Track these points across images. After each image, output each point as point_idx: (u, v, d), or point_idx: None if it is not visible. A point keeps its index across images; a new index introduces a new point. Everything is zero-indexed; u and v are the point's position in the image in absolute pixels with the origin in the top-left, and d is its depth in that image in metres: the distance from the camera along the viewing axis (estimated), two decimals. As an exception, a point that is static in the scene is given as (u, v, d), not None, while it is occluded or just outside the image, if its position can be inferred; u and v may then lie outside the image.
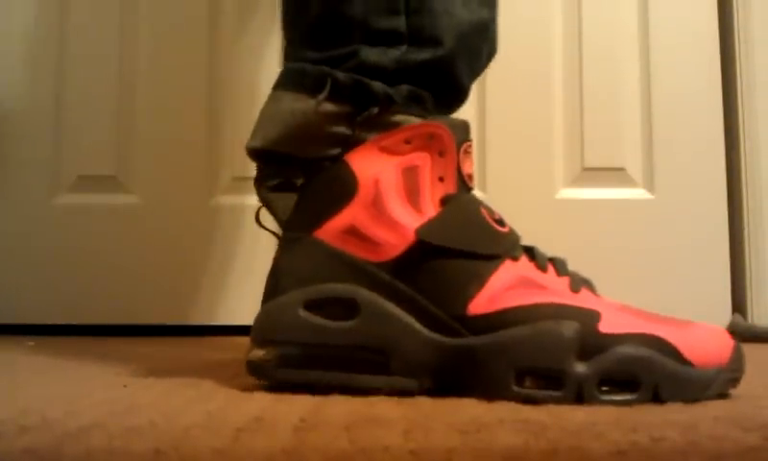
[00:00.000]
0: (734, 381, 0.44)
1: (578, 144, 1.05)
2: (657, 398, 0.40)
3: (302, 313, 0.44)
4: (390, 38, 0.47)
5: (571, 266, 0.47)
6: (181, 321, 1.02)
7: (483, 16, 0.50)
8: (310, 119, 0.46)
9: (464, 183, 0.47)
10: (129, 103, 1.06)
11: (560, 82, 1.06)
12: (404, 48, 0.47)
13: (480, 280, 0.43)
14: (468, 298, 0.43)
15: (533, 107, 1.05)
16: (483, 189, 1.04)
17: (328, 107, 0.46)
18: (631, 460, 0.27)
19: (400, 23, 0.47)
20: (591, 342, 0.41)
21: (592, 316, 0.42)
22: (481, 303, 0.43)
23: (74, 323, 1.03)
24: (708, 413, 0.36)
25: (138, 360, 0.66)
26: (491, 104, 1.05)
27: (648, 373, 0.40)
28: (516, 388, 0.41)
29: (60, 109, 1.06)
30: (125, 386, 0.47)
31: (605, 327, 0.41)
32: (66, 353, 0.73)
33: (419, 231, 0.44)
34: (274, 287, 0.46)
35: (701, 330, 0.43)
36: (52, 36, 1.07)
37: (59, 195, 1.05)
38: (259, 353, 0.44)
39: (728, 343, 0.43)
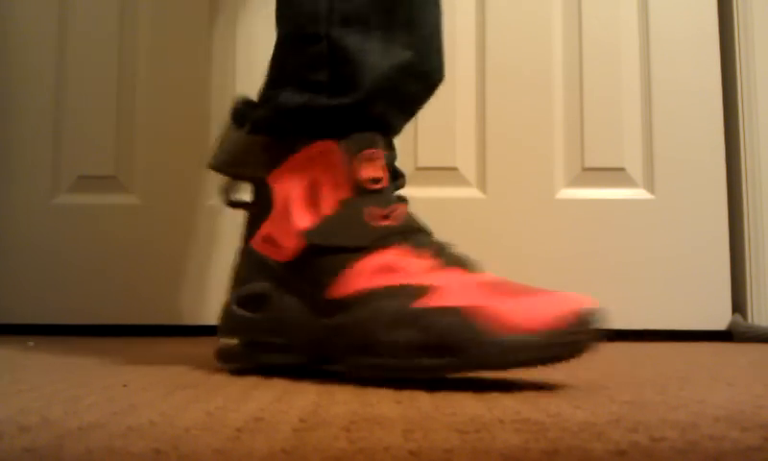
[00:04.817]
0: (575, 345, 0.45)
1: (578, 144, 1.05)
2: (467, 362, 0.45)
3: (236, 309, 0.55)
4: (314, 88, 0.55)
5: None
6: (182, 321, 1.03)
7: (405, 58, 0.56)
8: (242, 147, 0.57)
9: (360, 187, 0.53)
10: (129, 103, 1.06)
11: (560, 82, 1.06)
12: (324, 96, 0.54)
13: (343, 269, 0.51)
14: (333, 284, 0.51)
15: (533, 107, 1.06)
16: (483, 189, 1.04)
17: (254, 138, 0.56)
18: (631, 460, 0.27)
19: (323, 76, 0.55)
20: (406, 316, 0.47)
21: (420, 292, 0.47)
22: (340, 288, 0.51)
23: (74, 323, 1.03)
24: (708, 413, 0.37)
25: (138, 360, 0.67)
26: (491, 104, 1.05)
27: (455, 340, 0.45)
28: (354, 359, 0.48)
29: (61, 110, 1.06)
30: (125, 386, 0.47)
31: (431, 301, 0.47)
32: (66, 353, 0.73)
33: (304, 234, 0.53)
34: (229, 288, 0.58)
35: (535, 300, 0.45)
36: (52, 36, 1.07)
37: (59, 195, 1.06)
38: (223, 343, 0.56)
39: (565, 312, 0.44)
